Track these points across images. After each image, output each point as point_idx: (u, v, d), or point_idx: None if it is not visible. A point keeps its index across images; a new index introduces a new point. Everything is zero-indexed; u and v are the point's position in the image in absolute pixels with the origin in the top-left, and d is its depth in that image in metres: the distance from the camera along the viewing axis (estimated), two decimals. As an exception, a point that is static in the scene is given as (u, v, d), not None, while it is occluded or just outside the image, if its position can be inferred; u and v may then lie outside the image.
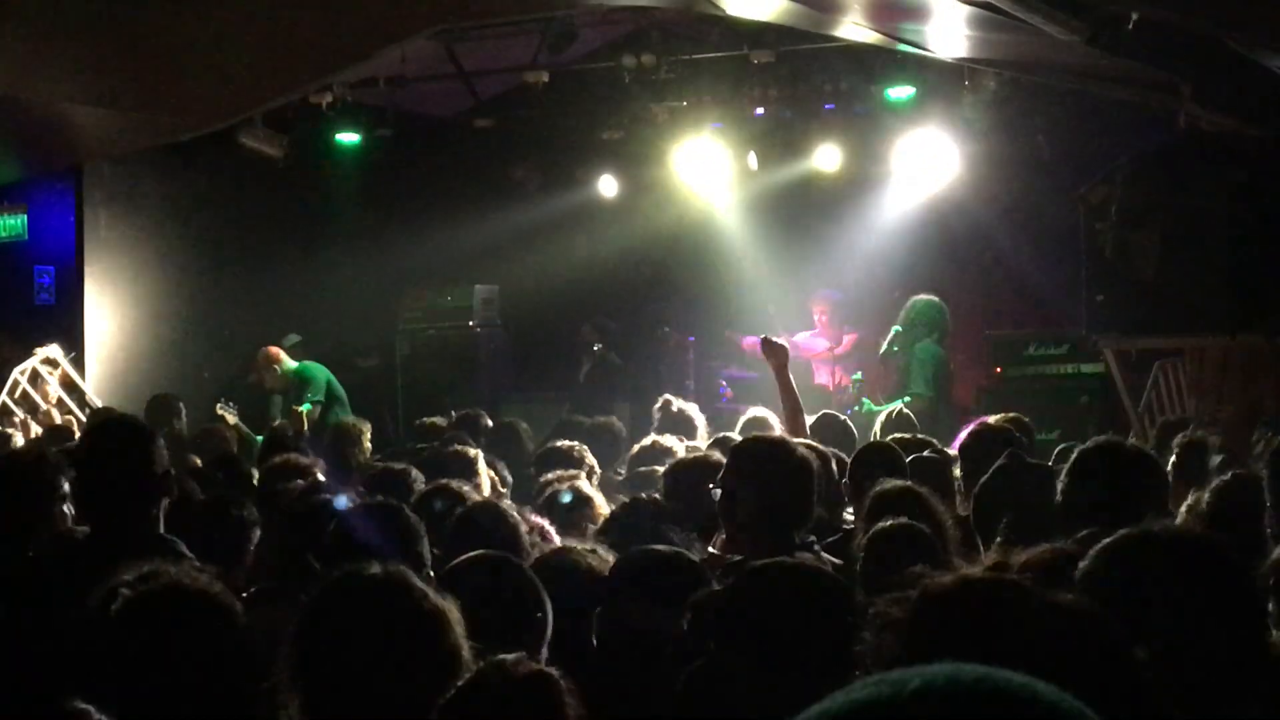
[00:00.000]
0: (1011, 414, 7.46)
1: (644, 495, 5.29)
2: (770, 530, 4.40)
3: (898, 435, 7.57)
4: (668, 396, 8.76)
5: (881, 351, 12.07)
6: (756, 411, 8.39)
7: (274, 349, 12.51)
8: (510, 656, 2.74)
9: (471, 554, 3.82)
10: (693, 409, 8.70)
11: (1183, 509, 4.80)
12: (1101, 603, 2.43)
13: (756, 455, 4.66)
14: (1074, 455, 4.55)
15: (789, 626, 3.02)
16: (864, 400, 11.38)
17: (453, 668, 2.82)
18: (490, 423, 9.44)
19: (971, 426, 6.83)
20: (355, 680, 2.80)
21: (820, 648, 2.90)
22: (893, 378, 12.28)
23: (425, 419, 10.07)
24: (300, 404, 11.84)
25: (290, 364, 12.36)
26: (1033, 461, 5.44)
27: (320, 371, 12.35)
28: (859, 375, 11.73)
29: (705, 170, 13.82)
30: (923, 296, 11.77)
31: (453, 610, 2.92)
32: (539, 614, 3.51)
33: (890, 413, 9.60)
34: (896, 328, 11.79)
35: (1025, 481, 4.95)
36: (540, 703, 2.67)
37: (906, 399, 11.41)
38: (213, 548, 4.54)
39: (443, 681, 2.78)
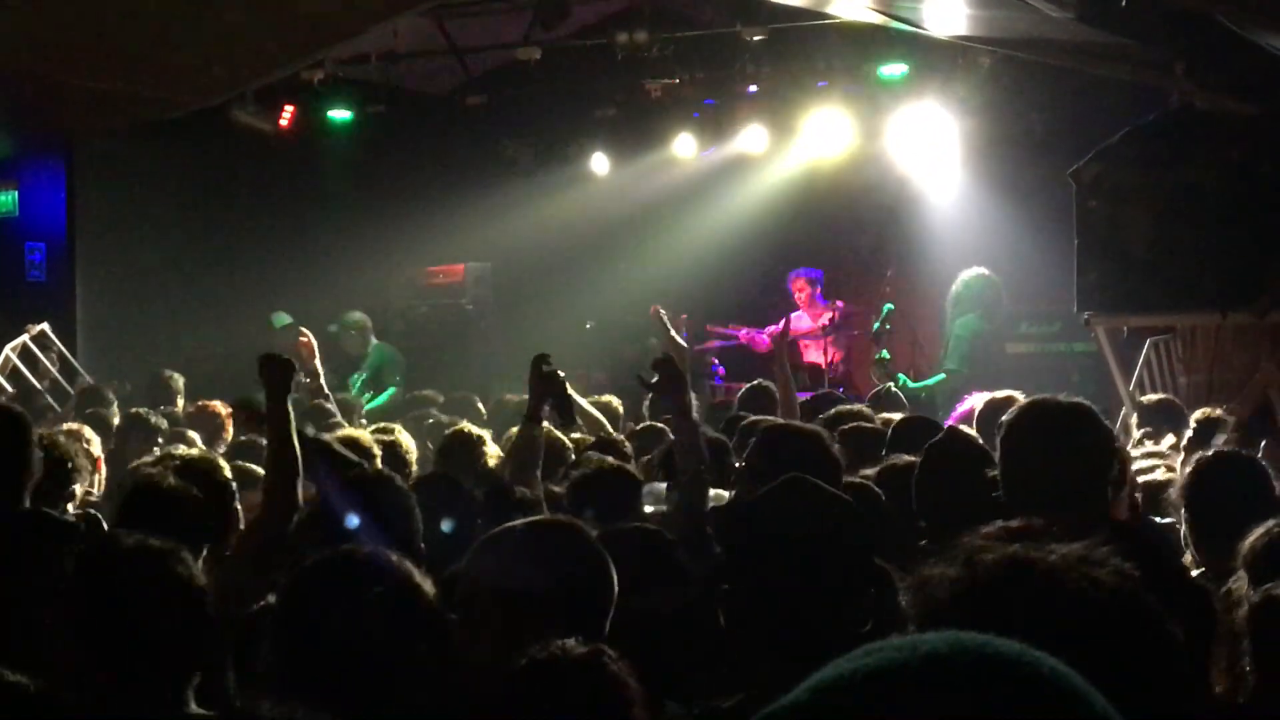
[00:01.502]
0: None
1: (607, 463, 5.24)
2: None
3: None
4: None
5: (874, 330, 12.08)
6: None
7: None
8: (568, 641, 2.71)
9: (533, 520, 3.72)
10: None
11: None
12: None
13: (791, 447, 4.62)
14: (1002, 427, 3.95)
15: (804, 535, 2.97)
16: (899, 375, 11.31)
17: (436, 635, 2.83)
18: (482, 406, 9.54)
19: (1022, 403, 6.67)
20: (333, 657, 2.80)
21: (833, 562, 2.90)
22: (924, 353, 12.28)
23: (418, 392, 10.14)
24: (380, 385, 12.08)
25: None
26: (968, 434, 5.25)
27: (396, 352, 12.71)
28: (885, 354, 11.70)
29: (700, 147, 13.85)
30: (972, 270, 11.74)
31: (426, 582, 2.95)
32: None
33: (879, 391, 9.60)
34: (888, 305, 11.78)
35: (964, 462, 4.81)
36: (598, 682, 2.65)
37: (941, 376, 11.41)
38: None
39: (425, 651, 2.79)
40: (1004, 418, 3.97)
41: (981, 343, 11.51)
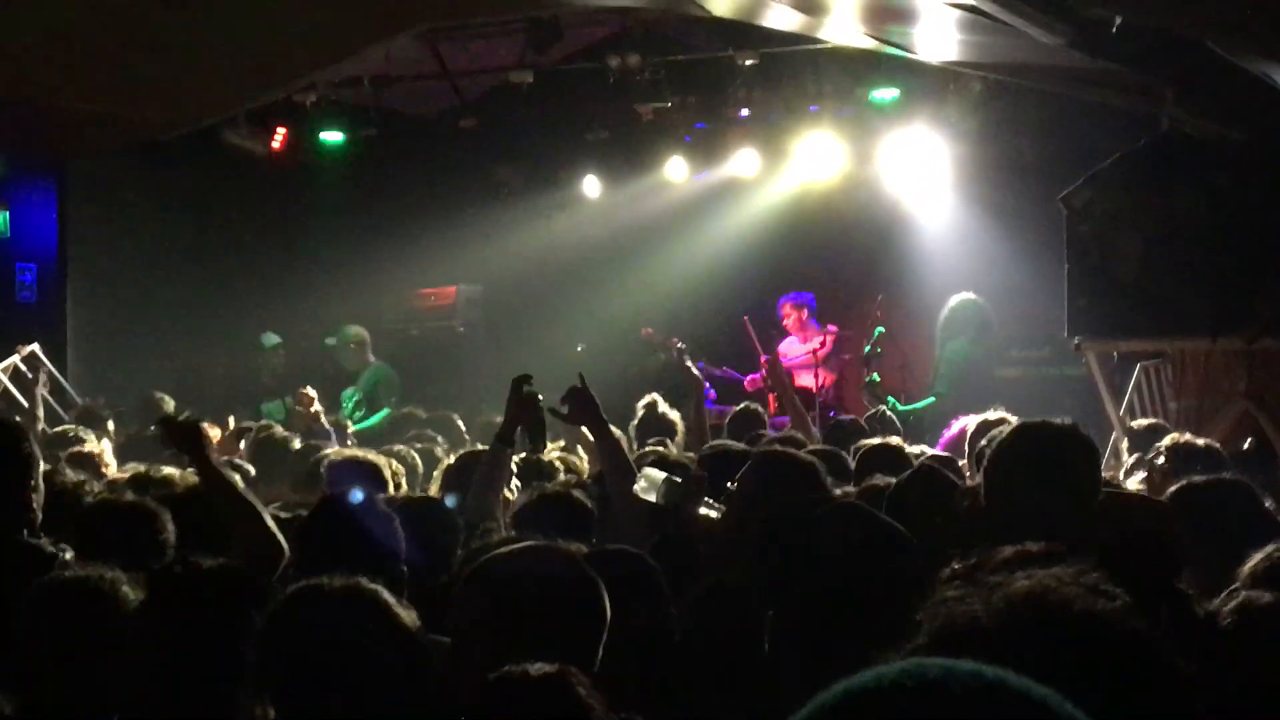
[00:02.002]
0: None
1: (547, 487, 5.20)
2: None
3: None
4: (655, 397, 8.78)
5: (864, 354, 12.10)
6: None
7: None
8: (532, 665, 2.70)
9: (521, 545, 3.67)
10: (675, 414, 8.72)
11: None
12: None
13: (784, 473, 4.57)
14: (986, 452, 4.02)
15: (860, 562, 2.94)
16: (890, 399, 11.34)
17: (417, 668, 2.82)
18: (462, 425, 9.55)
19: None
20: (317, 684, 2.80)
21: (887, 590, 2.87)
22: (913, 377, 12.30)
23: (404, 409, 10.15)
24: (374, 405, 12.12)
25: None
26: (941, 470, 5.24)
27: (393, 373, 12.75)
28: (876, 377, 11.72)
29: (692, 171, 13.89)
30: (961, 295, 11.79)
31: (410, 614, 2.95)
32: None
33: (873, 414, 9.60)
34: (879, 329, 11.80)
35: (936, 492, 4.80)
36: (563, 703, 2.63)
37: (930, 399, 11.45)
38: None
39: (406, 678, 2.79)
40: (990, 443, 3.98)
41: (971, 367, 11.54)
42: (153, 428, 5.26)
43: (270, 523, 4.36)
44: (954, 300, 11.77)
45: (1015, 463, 3.85)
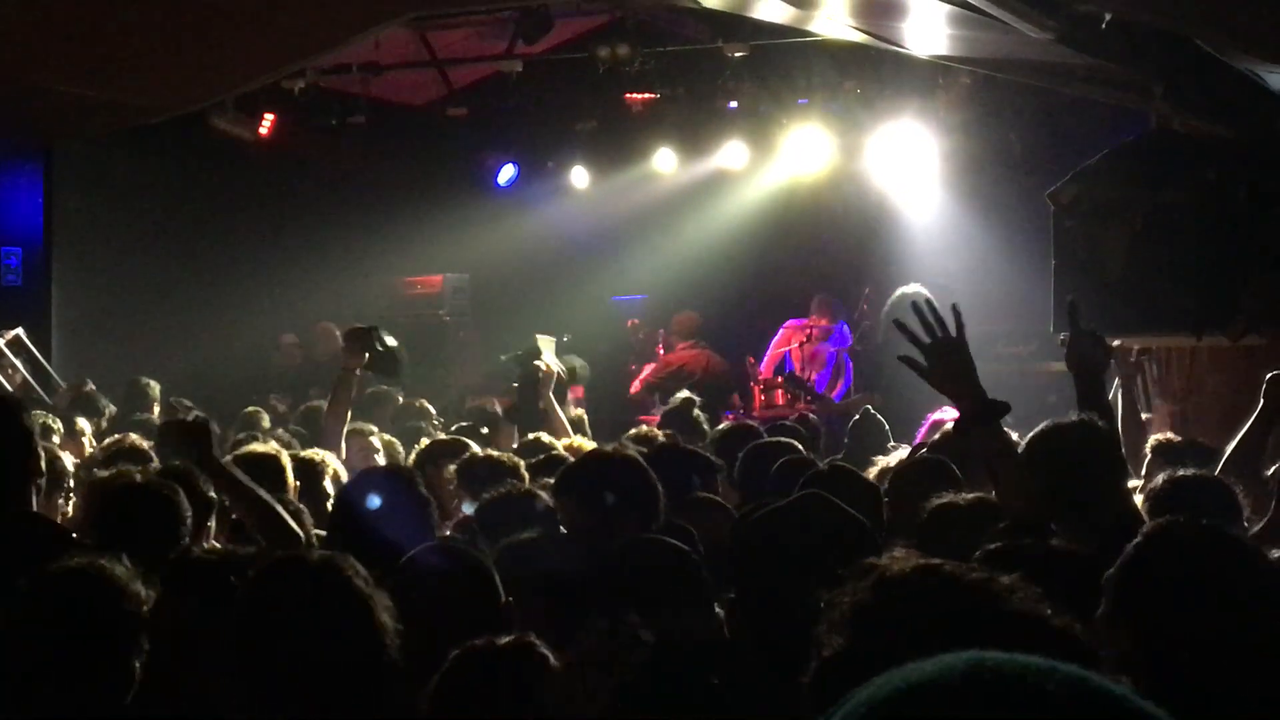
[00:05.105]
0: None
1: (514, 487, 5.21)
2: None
3: None
4: (689, 397, 8.91)
5: (848, 346, 12.12)
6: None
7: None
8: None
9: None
10: (703, 416, 8.79)
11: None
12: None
13: (587, 470, 4.77)
14: (1024, 451, 4.26)
15: (817, 552, 2.94)
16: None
17: (381, 648, 2.82)
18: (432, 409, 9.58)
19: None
20: (287, 656, 2.79)
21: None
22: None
23: (377, 386, 10.14)
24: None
25: None
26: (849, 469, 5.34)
27: None
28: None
29: (680, 162, 13.89)
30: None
31: (382, 597, 2.93)
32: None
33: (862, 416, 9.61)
34: (865, 323, 11.83)
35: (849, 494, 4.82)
36: (524, 671, 2.67)
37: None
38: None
39: (370, 660, 2.79)
40: (1023, 444, 4.11)
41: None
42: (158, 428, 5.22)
43: (282, 512, 4.34)
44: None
45: (1048, 463, 4.08)
